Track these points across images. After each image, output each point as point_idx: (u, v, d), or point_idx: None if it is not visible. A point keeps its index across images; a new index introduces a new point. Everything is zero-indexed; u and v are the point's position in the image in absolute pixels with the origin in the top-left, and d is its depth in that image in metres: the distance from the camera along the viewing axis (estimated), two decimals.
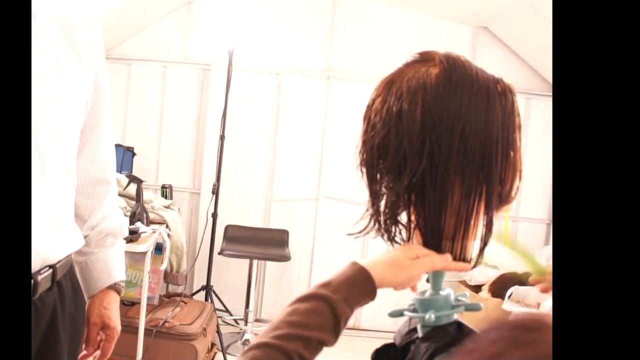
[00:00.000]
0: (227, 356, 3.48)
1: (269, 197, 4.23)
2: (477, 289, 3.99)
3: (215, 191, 3.78)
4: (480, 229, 0.87)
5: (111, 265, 1.36)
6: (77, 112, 1.19)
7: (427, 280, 0.90)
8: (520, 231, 4.32)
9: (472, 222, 0.85)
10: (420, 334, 0.87)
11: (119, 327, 1.36)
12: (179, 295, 3.41)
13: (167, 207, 3.51)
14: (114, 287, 1.36)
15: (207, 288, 3.78)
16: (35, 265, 1.09)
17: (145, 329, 2.84)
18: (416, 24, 4.14)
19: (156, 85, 4.21)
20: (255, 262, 3.82)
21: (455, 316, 0.87)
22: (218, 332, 3.54)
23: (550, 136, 4.26)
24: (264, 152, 4.22)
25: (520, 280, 3.87)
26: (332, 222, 4.21)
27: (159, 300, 3.28)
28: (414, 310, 0.89)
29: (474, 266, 0.88)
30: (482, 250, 0.87)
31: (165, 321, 3.01)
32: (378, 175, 0.87)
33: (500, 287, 3.83)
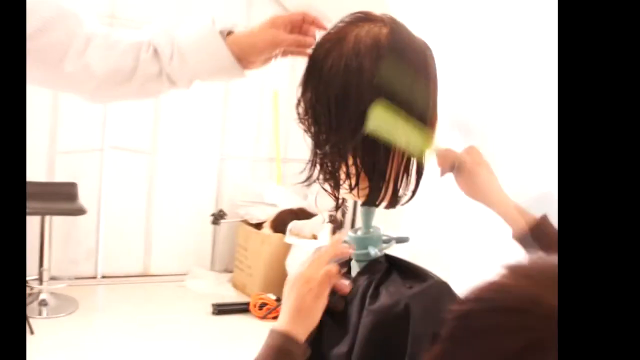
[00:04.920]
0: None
1: (53, 149, 3.97)
2: (258, 226, 4.19)
3: None
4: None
5: None
6: None
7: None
8: None
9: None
10: (358, 268, 0.96)
11: None
12: None
13: None
14: None
15: None
16: None
17: None
18: None
19: None
20: (47, 218, 3.60)
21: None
22: None
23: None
24: (43, 100, 3.86)
25: (296, 215, 4.16)
26: (119, 173, 4.15)
27: None
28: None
29: (409, 200, 0.97)
30: (417, 184, 0.97)
31: None
32: (327, 127, 0.90)
33: (281, 223, 4.08)
